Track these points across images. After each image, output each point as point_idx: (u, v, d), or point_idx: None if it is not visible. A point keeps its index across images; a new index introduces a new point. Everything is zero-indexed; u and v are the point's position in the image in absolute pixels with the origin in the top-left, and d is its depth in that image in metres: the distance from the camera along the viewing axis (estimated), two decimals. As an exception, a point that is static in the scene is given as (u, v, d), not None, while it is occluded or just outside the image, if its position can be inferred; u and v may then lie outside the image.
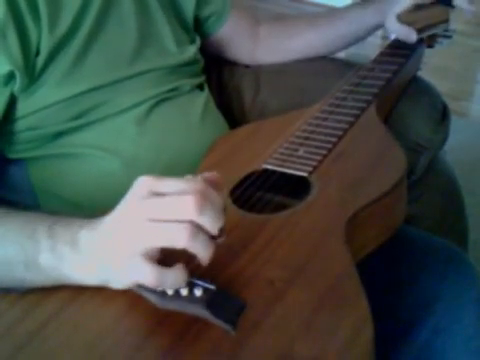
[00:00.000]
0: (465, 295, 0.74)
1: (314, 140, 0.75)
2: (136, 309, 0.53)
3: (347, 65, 0.99)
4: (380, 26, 0.99)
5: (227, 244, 0.52)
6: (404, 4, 0.94)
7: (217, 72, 1.06)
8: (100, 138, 0.77)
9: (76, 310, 0.54)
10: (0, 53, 0.68)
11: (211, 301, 0.51)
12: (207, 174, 0.53)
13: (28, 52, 0.70)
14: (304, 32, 1.03)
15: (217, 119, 0.90)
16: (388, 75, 0.87)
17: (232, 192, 0.68)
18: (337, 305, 0.52)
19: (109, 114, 0.77)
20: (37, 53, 0.71)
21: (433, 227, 1.00)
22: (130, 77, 0.79)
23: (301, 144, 0.74)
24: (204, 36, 0.97)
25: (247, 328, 0.50)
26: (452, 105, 1.04)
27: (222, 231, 0.50)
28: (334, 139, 0.74)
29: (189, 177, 0.52)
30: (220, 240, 0.51)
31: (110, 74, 0.77)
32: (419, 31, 0.92)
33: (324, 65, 1.04)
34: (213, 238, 0.50)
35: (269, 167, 0.71)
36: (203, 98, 0.88)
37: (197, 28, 0.95)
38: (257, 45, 1.04)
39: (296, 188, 0.69)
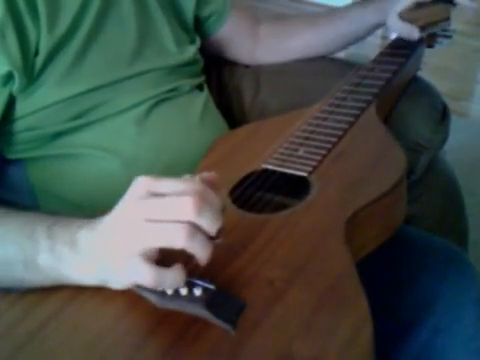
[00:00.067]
0: (465, 295, 0.74)
1: (314, 140, 0.75)
2: (136, 309, 0.53)
3: (347, 65, 0.99)
4: (380, 25, 0.99)
5: (227, 244, 0.52)
6: (405, 2, 0.94)
7: (217, 72, 1.06)
8: (100, 138, 0.77)
9: (76, 310, 0.54)
10: (-1, 53, 0.68)
11: (211, 301, 0.51)
12: (205, 174, 0.53)
13: (27, 52, 0.70)
14: (304, 32, 1.03)
15: (217, 119, 0.90)
16: (388, 75, 0.87)
17: (232, 192, 0.68)
18: (337, 305, 0.52)
19: (109, 114, 0.77)
20: (36, 53, 0.71)
21: (433, 227, 1.00)
22: (130, 77, 0.79)
23: (301, 144, 0.74)
24: (204, 36, 0.97)
25: (247, 328, 0.50)
26: (452, 105, 1.04)
27: (220, 232, 0.50)
28: (334, 139, 0.74)
29: (187, 177, 0.53)
30: (218, 241, 0.51)
31: (110, 74, 0.76)
32: (421, 29, 0.92)
33: (324, 65, 1.04)
34: (211, 238, 0.50)
35: (269, 167, 0.71)
36: (203, 98, 0.88)
37: (197, 28, 0.95)
38: (257, 45, 1.04)
39: (296, 188, 0.69)
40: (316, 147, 0.73)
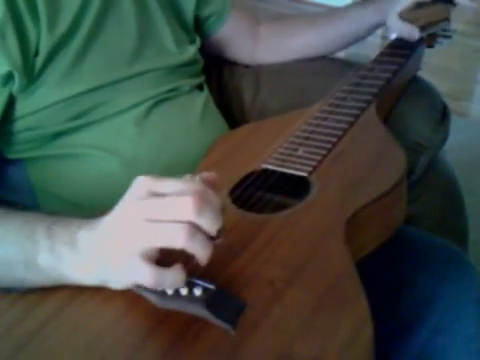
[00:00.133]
0: (465, 295, 0.74)
1: (314, 140, 0.75)
2: (136, 309, 0.53)
3: (347, 65, 0.99)
4: (380, 25, 0.99)
5: (227, 244, 0.52)
6: (405, 2, 0.94)
7: (217, 72, 1.06)
8: (99, 138, 0.77)
9: (76, 310, 0.54)
10: (-1, 53, 0.68)
11: (211, 301, 0.51)
12: (205, 174, 0.53)
13: (27, 52, 0.70)
14: (304, 32, 1.03)
15: (217, 119, 0.90)
16: (388, 75, 0.87)
17: (232, 192, 0.68)
18: (337, 305, 0.52)
19: (108, 114, 0.77)
20: (36, 53, 0.71)
21: (433, 227, 1.00)
22: (129, 77, 0.78)
23: (301, 144, 0.74)
24: (204, 36, 0.97)
25: (247, 328, 0.50)
26: (452, 105, 1.04)
27: (221, 232, 0.50)
28: (334, 139, 0.74)
29: (188, 177, 0.53)
30: (219, 241, 0.51)
31: (109, 74, 0.76)
32: (421, 28, 0.93)
33: (324, 65, 1.04)
34: (212, 239, 0.50)
35: (269, 167, 0.71)
36: (203, 98, 0.88)
37: (197, 28, 0.95)
38: (257, 45, 1.04)
39: (296, 188, 0.69)
40: (316, 147, 0.73)
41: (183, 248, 0.49)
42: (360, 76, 0.88)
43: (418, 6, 0.95)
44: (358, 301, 0.52)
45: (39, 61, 0.71)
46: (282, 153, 0.73)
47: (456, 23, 0.98)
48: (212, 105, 0.91)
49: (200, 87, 0.91)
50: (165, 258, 0.51)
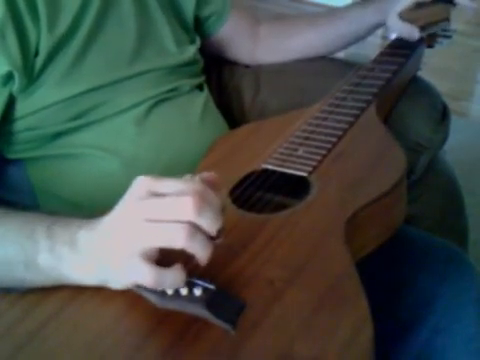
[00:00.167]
0: (465, 295, 0.74)
1: (314, 140, 0.75)
2: (136, 309, 0.53)
3: (347, 65, 0.99)
4: (380, 25, 0.99)
5: (227, 244, 0.52)
6: (405, 2, 0.94)
7: (217, 72, 1.06)
8: (99, 138, 0.77)
9: (76, 310, 0.54)
10: (-1, 53, 0.68)
11: (211, 301, 0.51)
12: (205, 174, 0.53)
13: (27, 52, 0.70)
14: (304, 32, 1.03)
15: (217, 119, 0.90)
16: (388, 75, 0.87)
17: (232, 192, 0.68)
18: (337, 305, 0.52)
19: (108, 114, 0.77)
20: (36, 53, 0.71)
21: (433, 227, 1.00)
22: (129, 77, 0.78)
23: (301, 144, 0.74)
24: (204, 36, 0.97)
25: (247, 328, 0.50)
26: (452, 105, 1.04)
27: (221, 232, 0.50)
28: (334, 139, 0.74)
29: (188, 177, 0.53)
30: (219, 241, 0.51)
31: (109, 74, 0.76)
32: (421, 29, 0.93)
33: (324, 65, 1.04)
34: (212, 239, 0.50)
35: (269, 167, 0.71)
36: (203, 98, 0.88)
37: (197, 28, 0.95)
38: (257, 45, 1.04)
39: (296, 188, 0.69)
40: (316, 147, 0.73)
41: (183, 248, 0.49)
42: (360, 76, 0.88)
43: (418, 6, 0.95)
44: (358, 301, 0.52)
45: (39, 61, 0.71)
46: (282, 153, 0.73)
47: (456, 23, 0.98)
48: (212, 105, 0.91)
49: (200, 87, 0.91)
50: (165, 258, 0.51)
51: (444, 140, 0.97)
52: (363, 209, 0.63)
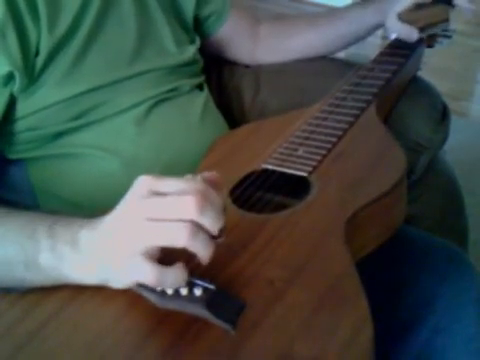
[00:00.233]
0: (465, 295, 0.74)
1: (314, 140, 0.75)
2: (136, 309, 0.53)
3: (347, 65, 0.99)
4: (380, 26, 0.99)
5: (227, 244, 0.52)
6: (405, 3, 0.94)
7: (217, 72, 1.06)
8: (100, 138, 0.77)
9: (76, 310, 0.54)
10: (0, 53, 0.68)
11: (211, 301, 0.51)
12: (207, 174, 0.53)
13: (27, 52, 0.70)
14: (304, 32, 1.03)
15: (217, 119, 0.90)
16: (388, 75, 0.87)
17: (232, 192, 0.68)
18: (337, 305, 0.52)
19: (108, 114, 0.77)
20: (36, 53, 0.71)
21: (433, 227, 1.00)
22: (129, 77, 0.79)
23: (301, 144, 0.74)
24: (204, 36, 0.97)
25: (247, 328, 0.50)
26: (452, 105, 1.04)
27: (222, 231, 0.50)
28: (334, 139, 0.74)
29: (189, 177, 0.53)
30: (220, 240, 0.51)
31: (109, 74, 0.77)
32: (420, 30, 0.93)
33: (324, 65, 1.04)
34: (213, 238, 0.50)
35: (269, 167, 0.71)
36: (202, 98, 0.88)
37: (197, 28, 0.95)
38: (257, 45, 1.04)
39: (296, 188, 0.69)
40: (316, 147, 0.73)
41: (185, 247, 0.49)
42: (360, 76, 0.88)
43: (418, 7, 0.95)
44: (358, 301, 0.52)
45: (39, 61, 0.71)
46: (282, 153, 0.73)
47: (456, 23, 0.98)
48: (212, 105, 0.92)
49: (200, 87, 0.91)
50: (166, 257, 0.51)
51: (444, 140, 0.97)
52: (363, 209, 0.63)
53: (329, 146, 0.73)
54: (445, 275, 0.76)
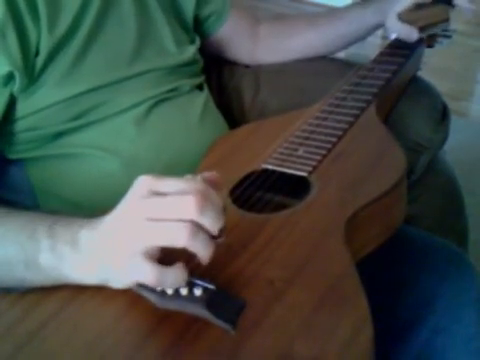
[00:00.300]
0: (465, 295, 0.74)
1: (314, 140, 0.75)
2: (136, 309, 0.53)
3: (347, 65, 0.99)
4: (380, 26, 0.99)
5: (227, 244, 0.52)
6: (405, 3, 0.94)
7: (217, 72, 1.06)
8: (99, 138, 0.77)
9: (76, 310, 0.54)
10: None
11: (211, 301, 0.51)
12: (207, 174, 0.53)
13: (27, 52, 0.70)
14: (304, 32, 1.03)
15: (217, 119, 0.90)
16: (388, 75, 0.87)
17: (232, 192, 0.68)
18: (337, 305, 0.52)
19: (108, 114, 0.77)
20: (36, 53, 0.71)
21: (433, 227, 1.00)
22: (129, 77, 0.79)
23: (301, 144, 0.74)
24: (204, 36, 0.97)
25: (247, 328, 0.50)
26: (452, 105, 1.04)
27: (222, 231, 0.50)
28: (334, 139, 0.74)
29: (189, 177, 0.53)
30: (220, 240, 0.51)
31: (109, 74, 0.77)
32: (420, 30, 0.93)
33: (324, 65, 1.04)
34: (213, 238, 0.50)
35: (269, 167, 0.71)
36: (202, 98, 0.88)
37: (197, 28, 0.95)
38: (257, 45, 1.04)
39: (296, 188, 0.69)
40: (316, 147, 0.73)
41: (185, 247, 0.49)
42: (360, 76, 0.88)
43: (418, 7, 0.95)
44: (358, 301, 0.52)
45: (39, 61, 0.71)
46: (282, 153, 0.73)
47: (456, 23, 0.98)
48: (212, 105, 0.92)
49: (200, 87, 0.91)
50: (166, 257, 0.51)
51: (444, 140, 0.97)
52: (363, 209, 0.63)
53: (329, 146, 0.73)
54: (445, 275, 0.76)
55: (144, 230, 0.50)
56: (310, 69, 1.03)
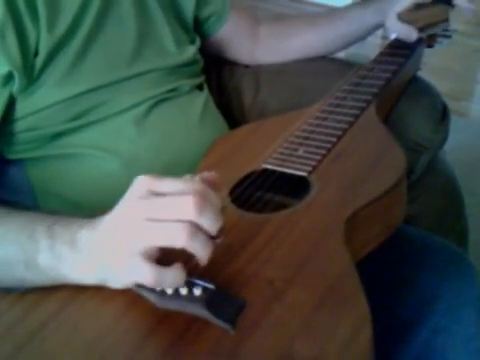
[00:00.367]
0: (465, 295, 0.74)
1: (314, 140, 0.75)
2: (136, 309, 0.53)
3: (347, 65, 0.99)
4: (380, 26, 0.99)
5: (226, 243, 0.52)
6: (405, 3, 0.94)
7: (217, 72, 1.06)
8: (99, 138, 0.77)
9: (76, 310, 0.54)
10: (-1, 53, 0.68)
11: (210, 300, 0.51)
12: (205, 174, 0.53)
13: (27, 52, 0.70)
14: (304, 32, 1.03)
15: (217, 119, 0.90)
16: (388, 75, 0.87)
17: (231, 192, 0.68)
18: (336, 304, 0.52)
19: (108, 114, 0.77)
20: (36, 53, 0.71)
21: (433, 227, 1.00)
22: (129, 78, 0.79)
23: (301, 144, 0.74)
24: (204, 36, 0.97)
25: (247, 328, 0.50)
26: (452, 105, 1.04)
27: (221, 231, 0.50)
28: (334, 139, 0.74)
29: (188, 177, 0.53)
30: (219, 240, 0.51)
31: (109, 74, 0.77)
32: (420, 30, 0.93)
33: (324, 65, 1.04)
34: (212, 238, 0.50)
35: (269, 167, 0.71)
36: (202, 98, 0.88)
37: (197, 28, 0.95)
38: (257, 45, 1.04)
39: (296, 188, 0.69)
40: (316, 147, 0.73)
41: (184, 247, 0.49)
42: (360, 76, 0.88)
43: (417, 7, 0.95)
44: (358, 301, 0.52)
45: (39, 61, 0.71)
46: (282, 153, 0.73)
47: (456, 23, 0.98)
48: (212, 105, 0.92)
49: (200, 87, 0.91)
50: (165, 257, 0.51)
51: (444, 140, 0.97)
52: (363, 209, 0.63)
53: (329, 146, 0.73)
54: (445, 275, 0.76)
55: (143, 230, 0.50)
56: (310, 69, 1.03)
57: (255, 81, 1.03)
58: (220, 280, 0.53)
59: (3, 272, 0.56)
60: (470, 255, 0.99)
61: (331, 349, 0.48)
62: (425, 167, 0.95)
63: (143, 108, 0.79)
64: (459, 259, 0.79)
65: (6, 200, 0.82)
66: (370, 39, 1.08)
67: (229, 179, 0.70)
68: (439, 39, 0.99)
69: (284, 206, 0.66)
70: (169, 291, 0.52)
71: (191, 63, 0.89)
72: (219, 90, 1.04)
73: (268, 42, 1.04)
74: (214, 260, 0.51)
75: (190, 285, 0.52)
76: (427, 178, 0.97)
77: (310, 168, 0.69)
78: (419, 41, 0.94)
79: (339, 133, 0.75)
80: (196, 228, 0.49)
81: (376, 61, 0.92)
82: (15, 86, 0.71)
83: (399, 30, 0.94)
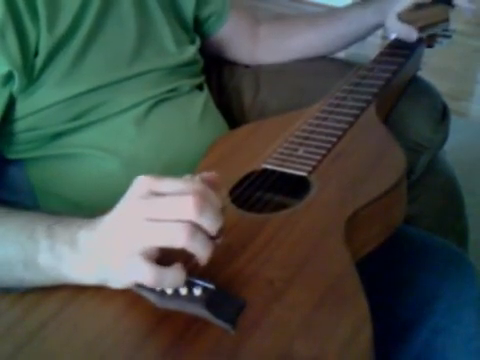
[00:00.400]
0: (465, 295, 0.74)
1: (314, 140, 0.75)
2: (136, 309, 0.53)
3: (347, 65, 0.99)
4: (380, 26, 0.99)
5: (226, 243, 0.52)
6: (405, 3, 0.94)
7: (217, 72, 1.06)
8: (99, 138, 0.77)
9: (76, 310, 0.54)
10: (-1, 53, 0.68)
11: (210, 300, 0.51)
12: (205, 174, 0.53)
13: (27, 52, 0.70)
14: (304, 32, 1.03)
15: (217, 119, 0.90)
16: (388, 75, 0.87)
17: (231, 192, 0.68)
18: (336, 304, 0.52)
19: (108, 114, 0.77)
20: (36, 53, 0.71)
21: (433, 227, 1.00)
22: (129, 77, 0.79)
23: (301, 144, 0.74)
24: (204, 36, 0.97)
25: (247, 327, 0.50)
26: (452, 105, 1.04)
27: (221, 231, 0.50)
28: (334, 139, 0.74)
29: (188, 177, 0.53)
30: (219, 240, 0.51)
31: (109, 74, 0.77)
32: (420, 30, 0.93)
33: (324, 65, 1.04)
34: (212, 238, 0.50)
35: (269, 167, 0.71)
36: (202, 98, 0.88)
37: (197, 28, 0.95)
38: (257, 45, 1.04)
39: (296, 188, 0.69)
40: (316, 147, 0.73)
41: (184, 247, 0.49)
42: (360, 76, 0.88)
43: (417, 7, 0.95)
44: (358, 301, 0.52)
45: (39, 61, 0.71)
46: (282, 153, 0.73)
47: (456, 23, 0.98)
48: (212, 105, 0.92)
49: (200, 87, 0.91)
50: (165, 257, 0.51)
51: (444, 140, 0.97)
52: (363, 209, 0.63)
53: (329, 146, 0.73)
54: (445, 275, 0.76)
55: (143, 230, 0.50)
56: (310, 69, 1.03)
57: (255, 81, 1.03)
58: (220, 280, 0.53)
59: (3, 272, 0.56)
60: (470, 255, 0.99)
61: (331, 349, 0.48)
62: (425, 167, 0.95)
63: (143, 108, 0.79)
64: (459, 259, 0.79)
65: (6, 200, 0.82)
66: (370, 39, 1.08)
67: (229, 179, 0.70)
68: (439, 39, 0.99)
69: (284, 206, 0.66)
70: (169, 291, 0.52)
71: (191, 63, 0.89)
72: (219, 90, 1.04)
73: (268, 42, 1.04)
74: (214, 260, 0.51)
75: (190, 285, 0.52)
76: (427, 178, 0.97)
77: (310, 168, 0.69)
78: (419, 41, 0.95)
79: (339, 133, 0.75)
80: (196, 228, 0.49)
81: (376, 61, 0.92)
82: (15, 86, 0.71)
83: (399, 30, 0.94)
